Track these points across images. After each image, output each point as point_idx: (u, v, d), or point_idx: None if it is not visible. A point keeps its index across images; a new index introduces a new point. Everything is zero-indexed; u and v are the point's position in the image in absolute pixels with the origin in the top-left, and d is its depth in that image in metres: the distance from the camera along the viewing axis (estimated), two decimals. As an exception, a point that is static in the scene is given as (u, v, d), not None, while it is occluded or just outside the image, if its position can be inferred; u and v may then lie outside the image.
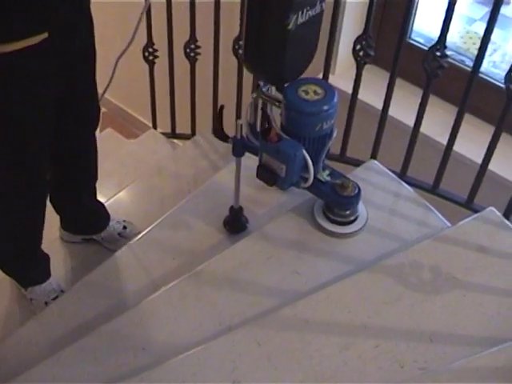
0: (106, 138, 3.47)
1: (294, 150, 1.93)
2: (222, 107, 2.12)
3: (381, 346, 1.85)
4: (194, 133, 3.08)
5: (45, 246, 2.39)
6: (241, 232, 2.32)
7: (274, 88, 1.97)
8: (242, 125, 2.02)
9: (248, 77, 2.72)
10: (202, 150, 2.93)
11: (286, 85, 1.95)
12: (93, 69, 2.09)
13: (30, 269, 2.44)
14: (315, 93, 1.92)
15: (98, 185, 2.49)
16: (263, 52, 1.83)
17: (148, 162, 3.08)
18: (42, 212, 2.25)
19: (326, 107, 1.91)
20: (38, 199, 2.21)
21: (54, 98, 1.93)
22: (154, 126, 3.29)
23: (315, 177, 2.04)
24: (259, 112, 2.10)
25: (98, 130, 2.36)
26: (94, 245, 2.62)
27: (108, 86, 2.29)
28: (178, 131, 3.20)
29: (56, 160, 2.25)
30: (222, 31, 2.67)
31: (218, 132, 2.14)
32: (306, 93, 1.91)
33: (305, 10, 1.74)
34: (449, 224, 2.24)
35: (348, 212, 2.18)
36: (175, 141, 3.28)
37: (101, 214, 2.60)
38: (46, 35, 1.71)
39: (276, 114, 2.01)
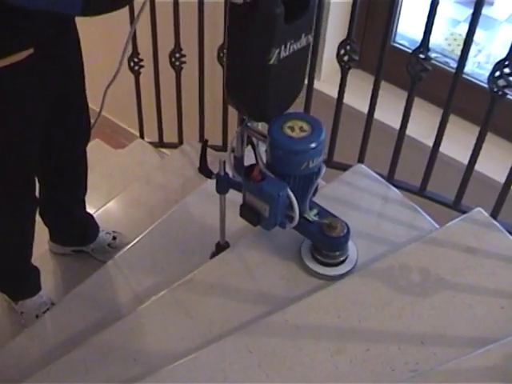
0: (93, 149, 3.41)
1: (278, 189, 1.84)
2: (205, 142, 2.09)
3: (371, 349, 1.85)
4: (181, 141, 3.08)
5: (34, 259, 2.39)
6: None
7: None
8: (224, 161, 1.98)
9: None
10: (190, 158, 2.93)
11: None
12: (81, 86, 2.09)
13: (21, 283, 2.44)
14: (301, 129, 1.83)
15: (86, 196, 2.50)
16: (244, 87, 1.75)
17: (136, 172, 3.08)
18: (31, 227, 2.25)
19: (312, 145, 1.82)
20: (27, 214, 2.21)
21: (41, 115, 1.93)
22: (142, 136, 3.29)
23: (302, 216, 1.97)
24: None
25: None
26: (84, 256, 2.62)
27: (99, 115, 2.28)
28: (165, 140, 3.20)
29: (47, 174, 2.26)
30: (206, 39, 2.67)
31: (203, 168, 2.08)
32: (292, 129, 1.83)
33: (288, 44, 1.64)
34: (437, 226, 2.24)
35: (337, 253, 2.09)
36: (163, 150, 3.28)
37: (90, 226, 2.60)
38: (31, 51, 1.72)
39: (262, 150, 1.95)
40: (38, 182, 2.26)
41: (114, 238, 2.61)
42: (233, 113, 2.79)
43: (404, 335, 1.88)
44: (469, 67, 2.67)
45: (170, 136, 3.14)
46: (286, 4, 1.55)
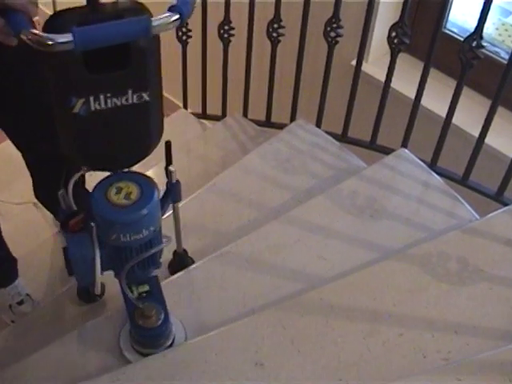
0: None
1: (80, 249, 1.64)
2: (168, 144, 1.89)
3: (405, 334, 1.84)
4: (224, 114, 3.08)
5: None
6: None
7: None
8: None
9: (282, 61, 2.72)
10: (232, 131, 2.93)
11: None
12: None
13: None
14: (127, 196, 1.58)
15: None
16: (60, 134, 1.54)
17: (177, 141, 3.06)
18: None
19: (123, 219, 1.57)
20: None
21: None
22: (185, 106, 3.29)
23: (127, 287, 1.77)
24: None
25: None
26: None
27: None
28: (208, 112, 3.20)
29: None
30: (256, 13, 2.66)
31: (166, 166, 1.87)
32: (117, 193, 1.58)
33: (101, 96, 1.41)
34: (477, 216, 2.23)
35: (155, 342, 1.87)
36: (205, 122, 3.28)
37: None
38: None
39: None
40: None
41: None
42: (278, 89, 2.80)
43: (438, 323, 1.87)
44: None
45: (213, 108, 3.14)
46: (97, 53, 1.31)
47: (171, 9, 1.32)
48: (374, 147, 2.60)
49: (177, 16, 1.32)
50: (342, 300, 1.94)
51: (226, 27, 2.78)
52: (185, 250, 2.17)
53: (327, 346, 1.83)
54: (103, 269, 1.69)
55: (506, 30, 2.88)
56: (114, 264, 1.70)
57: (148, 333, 1.83)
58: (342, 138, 2.69)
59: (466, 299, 1.93)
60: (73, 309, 2.16)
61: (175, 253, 2.16)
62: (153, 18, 1.30)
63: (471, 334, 1.85)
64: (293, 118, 2.81)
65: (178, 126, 3.24)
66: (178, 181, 1.84)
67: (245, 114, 2.98)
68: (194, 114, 3.26)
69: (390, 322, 1.88)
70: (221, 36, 2.81)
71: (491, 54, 2.68)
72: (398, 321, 1.89)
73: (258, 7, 2.64)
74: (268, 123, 2.93)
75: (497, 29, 2.90)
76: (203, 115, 3.22)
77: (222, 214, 2.41)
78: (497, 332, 1.85)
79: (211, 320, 1.96)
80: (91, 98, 1.41)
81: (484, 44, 2.14)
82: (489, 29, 2.86)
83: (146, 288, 1.86)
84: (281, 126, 2.80)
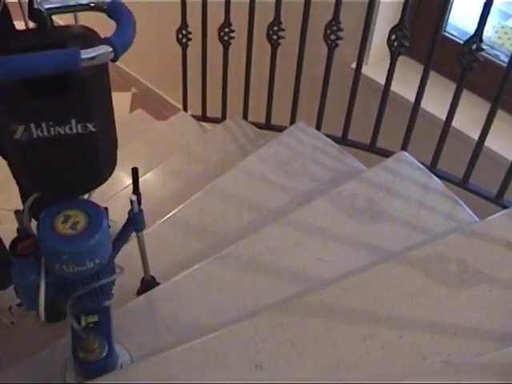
0: (136, 119, 3.48)
1: (25, 274, 1.59)
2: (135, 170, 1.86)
3: (404, 336, 1.85)
4: (224, 117, 3.08)
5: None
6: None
7: None
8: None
9: (282, 63, 2.72)
10: (232, 134, 2.93)
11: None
12: None
13: None
14: (73, 226, 1.53)
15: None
16: (10, 159, 1.56)
17: (177, 144, 3.08)
18: None
19: (64, 249, 1.51)
20: None
21: None
22: (185, 109, 3.30)
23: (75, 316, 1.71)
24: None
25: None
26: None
27: None
28: (208, 115, 3.20)
29: None
30: (256, 16, 2.66)
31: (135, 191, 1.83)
32: (64, 221, 1.53)
33: (43, 124, 1.38)
34: (477, 219, 2.23)
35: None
36: (205, 124, 3.28)
37: None
38: None
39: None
40: None
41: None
42: (278, 91, 2.80)
43: (438, 325, 1.87)
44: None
45: (213, 111, 3.15)
46: (40, 79, 1.28)
47: (104, 41, 1.30)
48: (374, 150, 2.60)
49: (109, 49, 1.29)
50: (341, 302, 1.94)
51: (226, 30, 2.79)
52: (153, 277, 2.12)
53: (327, 348, 1.83)
54: (49, 296, 1.61)
55: (506, 33, 2.88)
56: (61, 293, 1.63)
57: (89, 367, 1.76)
58: (342, 140, 2.69)
59: (465, 301, 1.93)
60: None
61: (143, 280, 2.12)
62: (83, 51, 1.26)
63: (471, 337, 1.85)
64: (293, 121, 2.81)
65: (177, 128, 3.24)
66: (141, 209, 1.80)
67: (245, 117, 2.98)
68: (193, 116, 3.26)
69: (390, 325, 1.88)
70: (221, 39, 2.81)
71: (491, 57, 2.68)
72: (398, 323, 1.89)
73: (258, 10, 2.64)
74: (268, 126, 2.93)
75: (496, 32, 2.90)
76: (203, 118, 3.22)
77: (221, 216, 2.41)
78: (496, 334, 1.85)
79: (211, 322, 1.96)
80: (32, 125, 1.38)
81: (484, 47, 2.14)
82: (488, 32, 2.86)
83: (95, 319, 1.78)
84: (281, 129, 2.80)
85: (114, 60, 1.33)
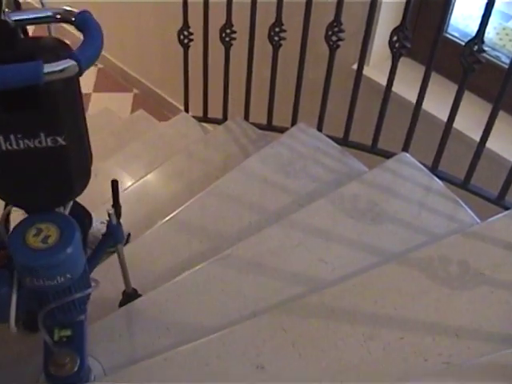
0: (137, 119, 3.49)
1: None
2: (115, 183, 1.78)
3: (406, 338, 1.84)
4: (225, 118, 3.08)
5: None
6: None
7: None
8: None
9: (284, 64, 2.72)
10: (233, 135, 2.93)
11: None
12: None
13: None
14: (44, 240, 1.50)
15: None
16: None
17: (178, 145, 3.08)
18: None
19: (32, 263, 1.48)
20: None
21: None
22: (186, 110, 3.30)
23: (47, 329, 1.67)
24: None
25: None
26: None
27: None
28: (209, 116, 3.20)
29: None
30: (258, 17, 2.66)
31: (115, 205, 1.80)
32: (36, 234, 1.51)
33: (12, 136, 1.37)
34: (478, 220, 2.23)
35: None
36: (206, 125, 3.28)
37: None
38: None
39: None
40: None
41: None
42: (280, 92, 2.80)
43: (439, 326, 1.87)
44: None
45: (215, 112, 3.15)
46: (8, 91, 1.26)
47: (68, 55, 1.27)
48: (376, 151, 2.60)
49: (73, 63, 1.26)
50: (343, 303, 1.94)
51: (228, 31, 2.79)
52: (134, 290, 2.09)
53: (328, 349, 1.83)
54: (22, 308, 1.59)
55: (507, 35, 2.88)
56: (33, 306, 1.60)
57: (60, 382, 1.72)
58: (344, 141, 2.69)
59: (467, 303, 1.93)
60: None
61: (124, 293, 2.09)
62: (46, 65, 1.24)
63: (472, 338, 1.85)
64: (294, 122, 2.81)
65: (179, 129, 3.24)
66: (119, 223, 1.79)
67: (246, 118, 2.98)
68: (195, 117, 3.26)
69: (391, 325, 1.88)
70: (222, 39, 2.81)
71: (492, 59, 2.68)
72: (399, 324, 1.89)
73: (259, 11, 2.64)
74: (269, 127, 2.93)
75: (498, 33, 2.90)
76: (204, 118, 3.22)
77: (223, 217, 2.41)
78: (498, 335, 1.85)
79: (212, 322, 1.96)
80: (0, 138, 1.36)
81: (485, 48, 2.14)
82: (490, 33, 2.86)
83: (68, 333, 1.74)
84: (282, 130, 2.80)
85: (79, 74, 1.30)
